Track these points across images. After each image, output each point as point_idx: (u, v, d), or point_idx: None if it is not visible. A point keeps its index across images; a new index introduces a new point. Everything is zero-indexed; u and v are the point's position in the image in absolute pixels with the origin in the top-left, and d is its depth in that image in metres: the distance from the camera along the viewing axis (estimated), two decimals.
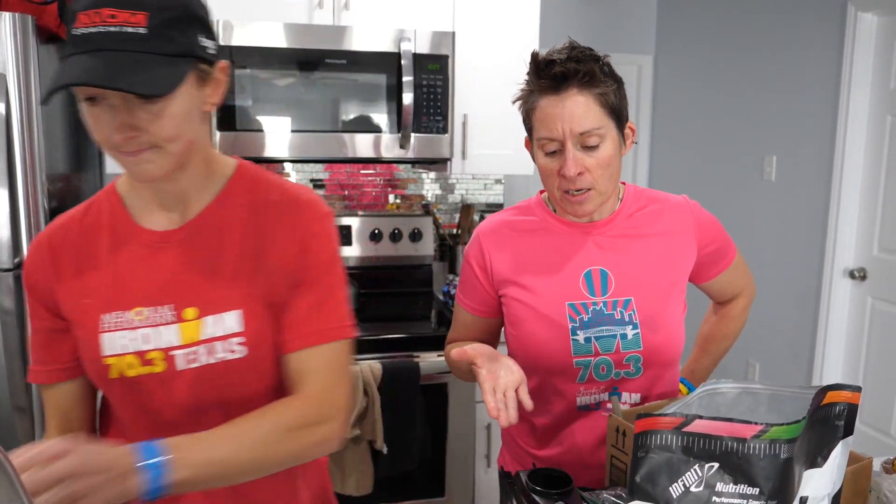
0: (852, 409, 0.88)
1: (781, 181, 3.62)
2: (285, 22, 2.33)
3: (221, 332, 1.00)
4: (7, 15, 1.79)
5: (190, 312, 1.00)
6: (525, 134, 1.32)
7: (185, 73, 0.89)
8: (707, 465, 0.77)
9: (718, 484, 0.77)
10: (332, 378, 1.03)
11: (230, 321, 1.00)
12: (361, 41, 2.37)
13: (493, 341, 1.46)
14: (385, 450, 2.24)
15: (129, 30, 0.84)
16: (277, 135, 2.34)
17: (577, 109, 1.18)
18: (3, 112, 1.79)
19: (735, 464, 0.77)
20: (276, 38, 2.30)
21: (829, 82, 3.30)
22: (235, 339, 1.00)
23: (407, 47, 2.37)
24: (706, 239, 1.38)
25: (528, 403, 1.12)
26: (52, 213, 1.99)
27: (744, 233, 3.87)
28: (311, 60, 2.34)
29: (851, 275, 3.29)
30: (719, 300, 1.55)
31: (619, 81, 1.24)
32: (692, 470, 0.77)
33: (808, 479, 0.86)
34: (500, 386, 1.11)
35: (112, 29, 0.83)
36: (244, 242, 1.03)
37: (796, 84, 3.50)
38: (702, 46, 4.17)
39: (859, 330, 3.30)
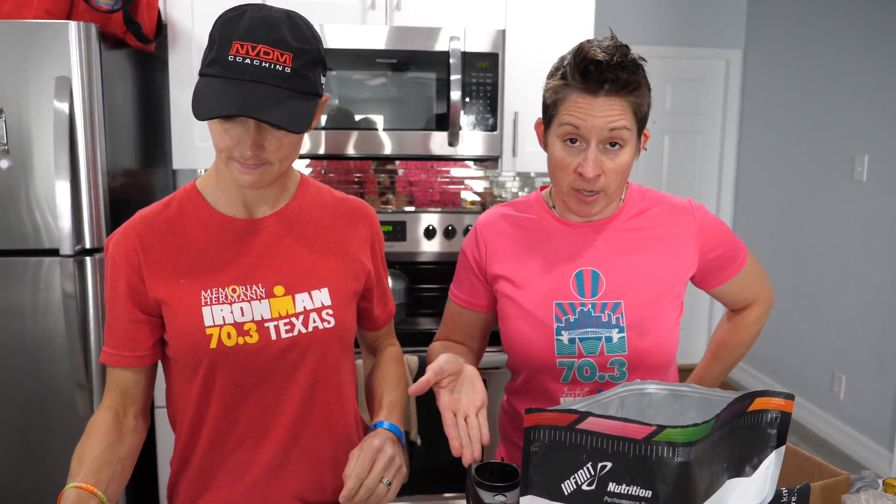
0: (785, 418, 0.84)
1: (873, 181, 3.38)
2: (339, 24, 2.41)
3: (311, 306, 1.16)
4: (73, 24, 1.96)
5: (279, 289, 1.15)
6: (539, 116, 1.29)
7: (314, 111, 1.04)
8: (600, 464, 0.76)
9: (611, 483, 0.75)
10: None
11: (319, 297, 1.17)
12: (412, 41, 2.42)
13: (481, 338, 1.46)
14: (419, 441, 2.28)
15: (278, 68, 0.98)
16: (332, 133, 2.43)
17: (611, 109, 1.17)
18: (68, 112, 1.96)
19: (629, 464, 0.75)
20: (330, 40, 2.39)
21: None
22: (325, 311, 1.17)
23: (456, 46, 2.40)
24: (710, 244, 1.34)
25: (486, 435, 1.06)
26: (118, 205, 2.16)
27: (830, 235, 3.64)
28: (363, 60, 2.41)
29: None
30: (733, 307, 1.49)
31: (650, 89, 1.23)
32: (585, 468, 0.76)
33: (733, 488, 0.83)
34: (461, 410, 1.09)
35: (265, 65, 0.97)
36: (323, 232, 1.21)
37: (890, 79, 3.26)
38: (793, 40, 3.95)
39: None
